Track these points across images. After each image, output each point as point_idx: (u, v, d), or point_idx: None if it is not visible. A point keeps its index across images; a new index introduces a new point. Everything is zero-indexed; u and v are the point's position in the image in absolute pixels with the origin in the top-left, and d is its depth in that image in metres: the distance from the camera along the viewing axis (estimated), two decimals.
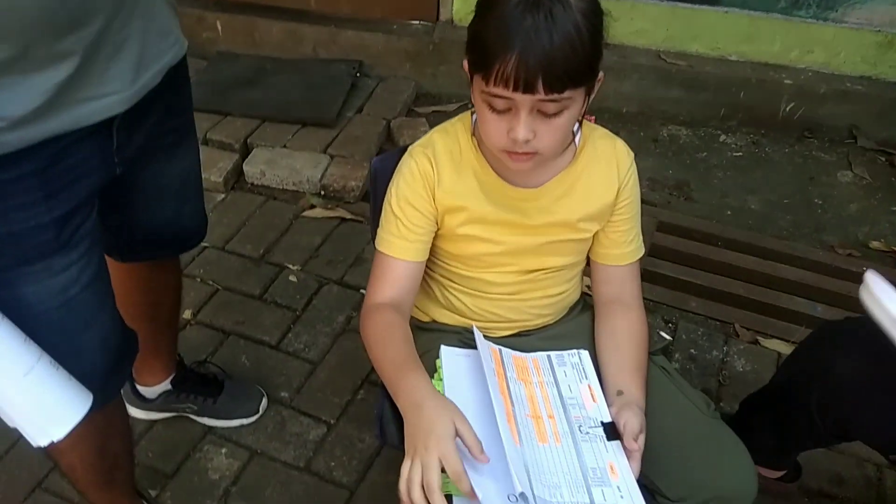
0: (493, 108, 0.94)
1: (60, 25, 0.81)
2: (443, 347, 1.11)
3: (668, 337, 1.88)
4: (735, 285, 2.01)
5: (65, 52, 0.83)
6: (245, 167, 2.29)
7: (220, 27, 2.74)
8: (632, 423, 0.99)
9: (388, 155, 1.18)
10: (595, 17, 0.90)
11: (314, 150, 2.34)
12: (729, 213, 2.28)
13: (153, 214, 1.20)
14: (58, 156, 0.90)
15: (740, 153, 2.53)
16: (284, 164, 2.28)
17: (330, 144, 2.37)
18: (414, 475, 0.86)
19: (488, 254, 1.11)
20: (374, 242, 1.14)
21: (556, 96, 0.89)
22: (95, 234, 1.01)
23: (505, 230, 1.09)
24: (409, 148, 1.12)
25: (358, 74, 2.64)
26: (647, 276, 2.02)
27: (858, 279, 2.33)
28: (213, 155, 2.32)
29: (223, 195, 2.28)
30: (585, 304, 1.26)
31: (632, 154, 1.15)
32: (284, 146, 2.35)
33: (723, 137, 2.59)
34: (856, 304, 2.14)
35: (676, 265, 2.06)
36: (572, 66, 0.89)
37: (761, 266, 2.06)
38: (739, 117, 2.59)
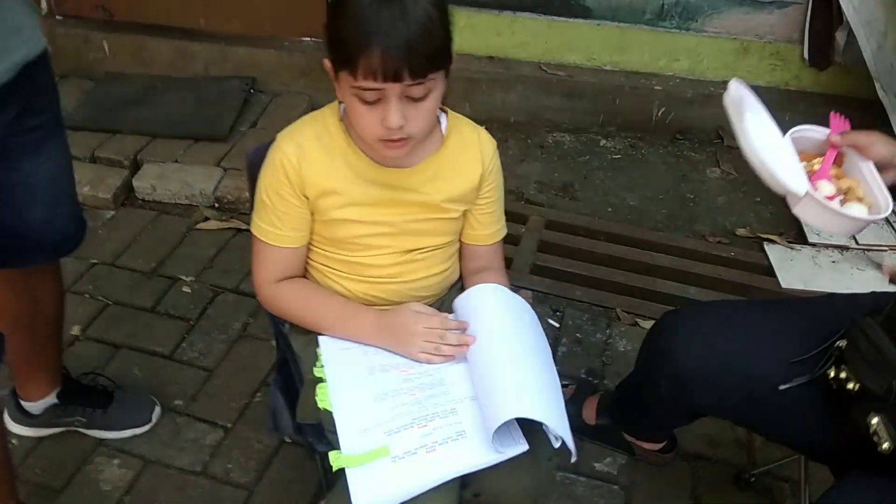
0: (364, 101, 1.00)
1: None
2: (320, 338, 1.16)
3: (556, 324, 1.98)
4: (616, 274, 2.14)
5: None
6: (135, 182, 2.26)
7: (107, 47, 2.71)
8: None
9: (263, 146, 1.22)
10: (442, 4, 0.99)
11: (207, 164, 2.34)
12: (610, 209, 2.43)
13: (23, 216, 1.20)
14: None
15: (619, 156, 2.70)
16: (176, 178, 2.27)
17: (223, 158, 2.37)
18: (430, 348, 1.09)
19: (364, 235, 1.16)
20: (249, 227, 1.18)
21: (420, 80, 0.97)
22: None
23: (378, 210, 1.15)
24: (277, 136, 1.17)
25: (252, 90, 2.66)
26: (537, 269, 2.13)
27: (728, 263, 2.50)
28: (101, 172, 2.28)
29: (112, 212, 2.24)
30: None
31: (494, 142, 1.24)
32: (176, 161, 2.34)
33: (603, 142, 2.76)
34: (726, 286, 2.30)
35: (564, 258, 2.18)
36: (431, 50, 0.97)
37: (640, 255, 2.20)
38: (617, 123, 2.77)
